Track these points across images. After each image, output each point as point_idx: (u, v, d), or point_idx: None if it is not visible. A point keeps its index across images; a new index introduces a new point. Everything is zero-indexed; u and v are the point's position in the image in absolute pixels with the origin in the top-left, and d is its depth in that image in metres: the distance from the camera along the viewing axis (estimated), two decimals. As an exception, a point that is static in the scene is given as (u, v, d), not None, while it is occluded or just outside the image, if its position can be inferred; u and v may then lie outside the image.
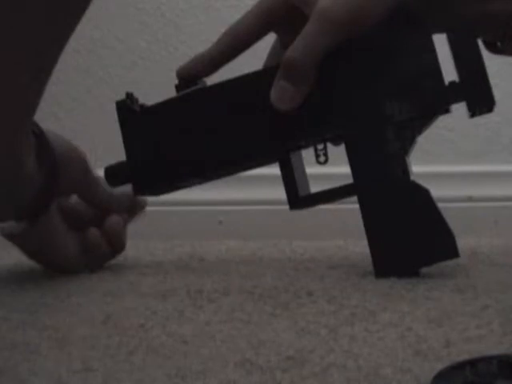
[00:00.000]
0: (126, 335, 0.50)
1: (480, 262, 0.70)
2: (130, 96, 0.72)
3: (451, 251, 0.63)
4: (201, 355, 0.45)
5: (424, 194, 0.64)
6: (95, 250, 0.73)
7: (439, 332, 0.48)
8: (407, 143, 0.65)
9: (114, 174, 0.73)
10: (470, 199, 1.13)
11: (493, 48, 0.68)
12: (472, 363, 0.38)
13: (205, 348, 0.47)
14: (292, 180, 0.68)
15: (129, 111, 0.72)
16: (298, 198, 0.68)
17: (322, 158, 0.68)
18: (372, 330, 0.49)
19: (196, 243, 0.91)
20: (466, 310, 0.53)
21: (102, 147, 1.17)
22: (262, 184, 1.07)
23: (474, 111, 0.63)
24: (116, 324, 0.53)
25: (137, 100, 0.73)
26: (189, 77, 0.71)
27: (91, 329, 0.52)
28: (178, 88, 0.71)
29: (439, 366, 0.39)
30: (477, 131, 1.14)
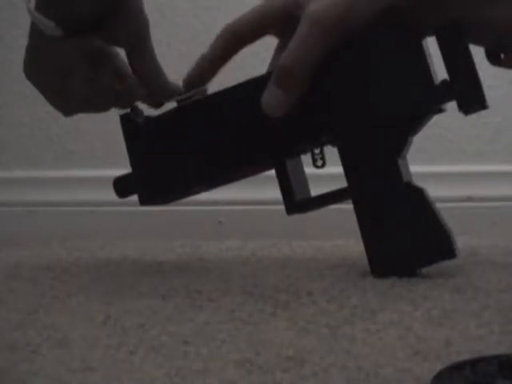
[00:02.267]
0: (126, 335, 0.50)
1: (480, 262, 0.70)
2: (134, 109, 0.73)
3: (447, 251, 0.63)
4: (201, 355, 0.45)
5: (419, 193, 0.64)
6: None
7: (439, 332, 0.48)
8: (401, 144, 0.64)
9: (121, 185, 0.75)
10: (469, 199, 1.14)
11: (495, 59, 0.67)
12: (472, 363, 0.38)
13: (205, 348, 0.47)
14: (288, 185, 0.69)
15: (133, 124, 0.73)
16: (294, 203, 0.69)
17: (319, 162, 0.68)
18: (372, 330, 0.49)
19: (196, 243, 0.91)
20: (466, 310, 0.53)
21: (102, 147, 1.17)
22: (261, 184, 1.07)
23: (465, 109, 0.63)
24: (116, 324, 0.53)
25: (141, 112, 0.73)
26: (196, 83, 0.71)
27: (91, 329, 0.52)
28: (178, 99, 0.72)
29: (439, 366, 0.39)
30: (477, 131, 1.14)
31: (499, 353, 0.42)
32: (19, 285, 0.68)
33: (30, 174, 1.19)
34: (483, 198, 1.14)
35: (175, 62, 0.97)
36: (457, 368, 0.38)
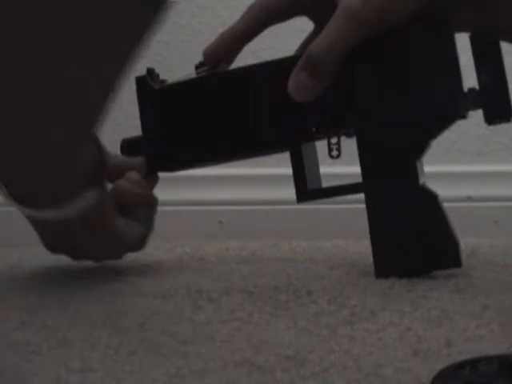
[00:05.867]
0: (126, 335, 0.50)
1: (480, 262, 0.70)
2: (150, 72, 0.73)
3: (454, 260, 0.63)
4: (201, 355, 0.45)
5: (432, 199, 0.64)
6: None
7: (439, 332, 0.48)
8: (421, 146, 0.64)
9: (129, 148, 0.74)
10: (469, 199, 1.13)
11: None
12: (472, 363, 0.38)
13: (205, 348, 0.47)
14: (301, 172, 0.68)
15: (147, 87, 0.72)
16: (306, 191, 0.68)
17: (334, 153, 0.68)
18: (372, 330, 0.49)
19: (196, 243, 0.91)
20: (466, 310, 0.53)
21: (102, 147, 1.17)
22: (261, 184, 1.07)
23: (490, 120, 0.63)
24: (116, 324, 0.53)
25: (157, 76, 0.73)
26: (216, 58, 0.70)
27: (91, 329, 0.52)
28: (197, 68, 0.71)
29: (439, 366, 0.39)
30: (477, 131, 1.14)
31: (499, 353, 0.42)
32: (19, 285, 0.68)
33: (29, 174, 1.19)
34: (483, 197, 1.14)
35: (174, 62, 0.97)
36: (457, 368, 0.38)
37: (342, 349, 0.46)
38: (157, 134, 0.72)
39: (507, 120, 0.63)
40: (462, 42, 0.64)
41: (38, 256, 0.85)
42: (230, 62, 0.72)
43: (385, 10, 0.63)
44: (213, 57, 0.71)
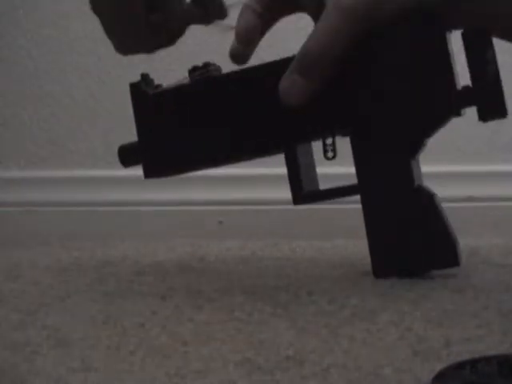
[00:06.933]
0: (126, 335, 0.50)
1: (480, 262, 0.70)
2: (144, 77, 0.73)
3: (452, 259, 0.63)
4: (201, 355, 0.45)
5: (429, 198, 0.64)
6: None
7: (439, 332, 0.48)
8: (416, 145, 0.64)
9: (126, 154, 0.74)
10: (469, 199, 1.14)
11: None
12: (472, 363, 0.38)
13: (205, 348, 0.47)
14: (296, 175, 0.68)
15: (142, 93, 0.72)
16: (302, 193, 0.68)
17: (330, 154, 0.68)
18: (372, 330, 0.49)
19: (196, 243, 0.91)
20: (466, 310, 0.53)
21: (102, 147, 1.18)
22: (262, 184, 1.07)
23: (484, 117, 0.63)
24: (116, 324, 0.53)
25: (152, 81, 0.73)
26: (244, 58, 0.70)
27: (91, 329, 0.52)
28: (190, 72, 0.71)
29: (439, 366, 0.39)
30: (477, 131, 1.14)
31: (499, 353, 0.42)
32: (19, 285, 0.68)
33: (29, 174, 1.19)
34: (483, 197, 1.14)
35: (175, 61, 0.97)
36: (457, 368, 0.38)
37: (341, 349, 0.46)
38: (152, 140, 0.72)
39: (501, 116, 0.63)
40: (459, 40, 0.64)
41: (37, 256, 0.85)
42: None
43: (376, 4, 0.62)
44: (241, 56, 0.70)
